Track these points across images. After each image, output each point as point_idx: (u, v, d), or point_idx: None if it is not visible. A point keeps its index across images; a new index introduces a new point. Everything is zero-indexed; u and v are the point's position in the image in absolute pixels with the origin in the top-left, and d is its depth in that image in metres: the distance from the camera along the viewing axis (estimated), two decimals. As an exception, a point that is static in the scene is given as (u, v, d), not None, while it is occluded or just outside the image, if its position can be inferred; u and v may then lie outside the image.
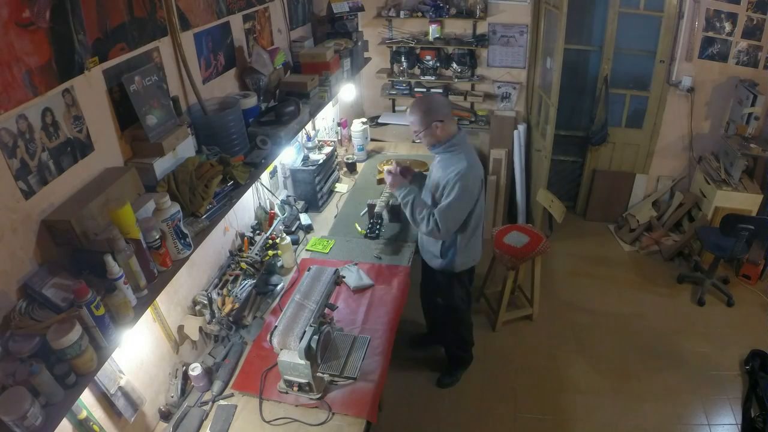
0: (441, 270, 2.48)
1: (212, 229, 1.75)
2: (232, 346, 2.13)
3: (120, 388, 1.63)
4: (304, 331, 1.84)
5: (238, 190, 1.91)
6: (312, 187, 3.01)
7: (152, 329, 1.85)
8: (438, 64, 4.09)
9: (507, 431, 2.75)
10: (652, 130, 4.16)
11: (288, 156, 2.98)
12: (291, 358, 1.83)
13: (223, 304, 2.16)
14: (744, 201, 3.65)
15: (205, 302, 2.11)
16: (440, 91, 4.17)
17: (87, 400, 1.52)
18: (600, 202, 4.49)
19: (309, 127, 3.15)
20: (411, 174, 2.45)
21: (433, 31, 3.89)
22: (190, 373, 1.91)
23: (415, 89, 4.21)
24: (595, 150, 4.31)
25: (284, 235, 2.64)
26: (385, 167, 2.56)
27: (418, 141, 2.32)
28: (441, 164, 2.25)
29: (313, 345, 1.81)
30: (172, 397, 1.91)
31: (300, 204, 2.98)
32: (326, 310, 2.03)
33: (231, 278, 2.31)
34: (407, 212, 2.30)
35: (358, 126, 3.52)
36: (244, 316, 2.22)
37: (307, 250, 2.74)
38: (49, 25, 1.33)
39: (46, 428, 1.15)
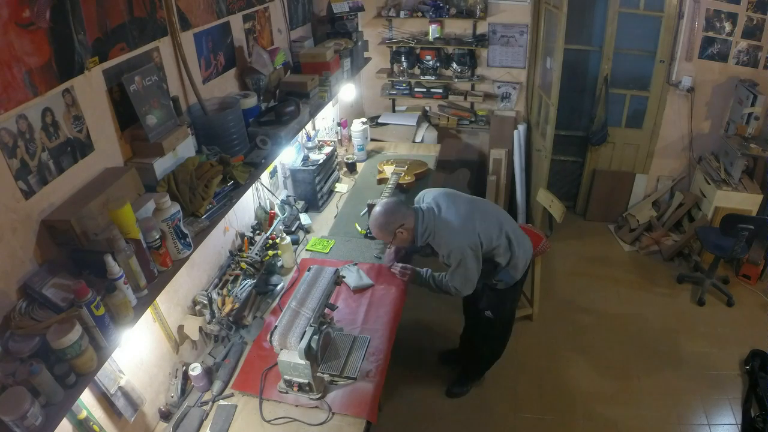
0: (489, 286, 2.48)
1: (212, 229, 1.75)
2: (232, 346, 2.13)
3: (120, 388, 1.63)
4: (304, 331, 1.84)
5: (238, 190, 1.90)
6: (312, 187, 3.01)
7: (152, 329, 1.85)
8: (438, 64, 4.10)
9: (507, 431, 2.76)
10: (652, 130, 4.16)
11: (288, 156, 2.98)
12: (291, 358, 1.83)
13: (223, 304, 2.16)
14: (744, 201, 3.65)
15: (205, 302, 2.11)
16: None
17: (87, 400, 1.52)
18: (600, 202, 4.49)
19: (309, 127, 3.15)
20: (403, 248, 2.52)
21: (433, 31, 3.90)
22: (190, 373, 1.91)
23: (415, 89, 4.21)
24: (595, 150, 4.32)
25: (284, 235, 2.64)
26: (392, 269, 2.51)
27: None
28: (432, 243, 2.25)
29: (313, 345, 1.81)
30: (172, 397, 1.91)
31: (300, 204, 2.98)
32: (326, 310, 2.03)
33: (231, 278, 2.31)
34: (436, 291, 2.40)
35: (358, 126, 3.51)
36: (244, 316, 2.22)
37: (307, 250, 2.74)
38: (49, 25, 1.33)
39: (46, 428, 1.15)
